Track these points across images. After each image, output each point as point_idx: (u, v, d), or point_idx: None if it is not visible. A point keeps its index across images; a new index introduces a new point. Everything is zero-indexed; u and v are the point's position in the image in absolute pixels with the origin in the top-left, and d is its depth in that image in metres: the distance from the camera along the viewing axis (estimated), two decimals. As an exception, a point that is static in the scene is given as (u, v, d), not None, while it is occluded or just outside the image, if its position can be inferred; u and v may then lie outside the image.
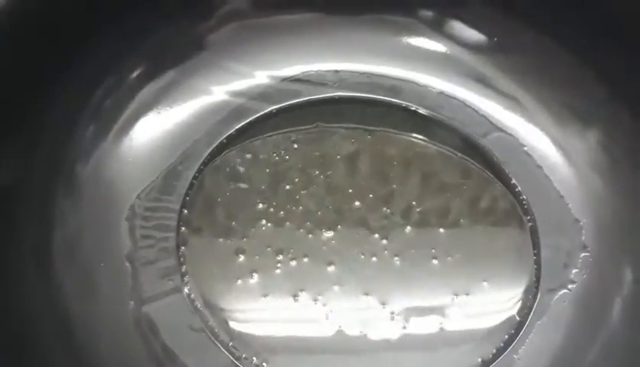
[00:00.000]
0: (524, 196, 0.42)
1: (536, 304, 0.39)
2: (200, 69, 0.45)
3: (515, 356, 0.38)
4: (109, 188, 0.41)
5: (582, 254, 0.40)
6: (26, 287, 0.36)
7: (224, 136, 0.44)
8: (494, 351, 0.38)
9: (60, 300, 0.37)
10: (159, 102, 0.44)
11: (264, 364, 0.37)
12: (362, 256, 0.40)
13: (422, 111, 0.46)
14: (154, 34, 0.44)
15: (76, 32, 0.40)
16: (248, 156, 0.44)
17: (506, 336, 0.38)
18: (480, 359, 0.38)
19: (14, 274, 0.36)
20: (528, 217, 0.42)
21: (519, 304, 0.39)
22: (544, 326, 0.38)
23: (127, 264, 0.39)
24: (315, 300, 0.39)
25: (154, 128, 0.44)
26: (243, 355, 0.37)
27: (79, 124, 0.41)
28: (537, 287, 0.39)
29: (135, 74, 0.44)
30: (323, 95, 0.46)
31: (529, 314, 0.39)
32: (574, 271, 0.40)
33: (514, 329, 0.38)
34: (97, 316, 0.37)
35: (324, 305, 0.38)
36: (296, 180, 0.43)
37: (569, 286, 0.39)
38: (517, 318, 0.39)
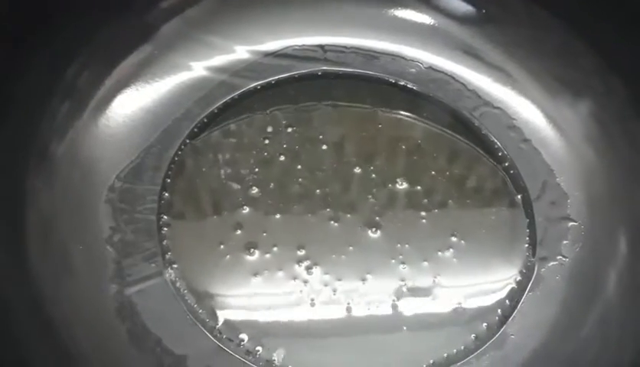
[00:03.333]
0: (514, 171, 0.42)
1: (529, 280, 0.38)
2: (178, 43, 0.44)
3: (509, 332, 0.37)
4: (86, 168, 0.39)
5: (575, 228, 0.40)
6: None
7: (205, 114, 0.43)
8: (488, 327, 0.37)
9: (34, 284, 0.35)
10: (137, 78, 0.43)
11: (257, 348, 0.36)
12: (352, 236, 0.39)
13: (410, 86, 0.45)
14: (129, 6, 0.42)
15: (48, 4, 0.38)
16: (230, 135, 0.42)
17: (500, 312, 0.37)
18: (474, 336, 0.37)
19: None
20: (519, 193, 0.41)
21: (512, 280, 0.38)
22: (538, 302, 0.38)
23: (107, 247, 0.38)
24: (301, 283, 0.37)
25: (132, 106, 0.42)
26: (230, 339, 0.36)
27: (52, 100, 0.39)
28: (529, 263, 0.39)
29: (110, 48, 0.42)
30: (308, 71, 0.45)
31: (522, 290, 0.38)
32: (567, 245, 0.39)
33: (508, 305, 0.38)
34: (75, 300, 0.35)
35: (312, 287, 0.37)
36: (281, 159, 0.41)
37: (563, 260, 0.39)
38: (511, 294, 0.38)
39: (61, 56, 0.39)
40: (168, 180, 0.41)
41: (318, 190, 0.40)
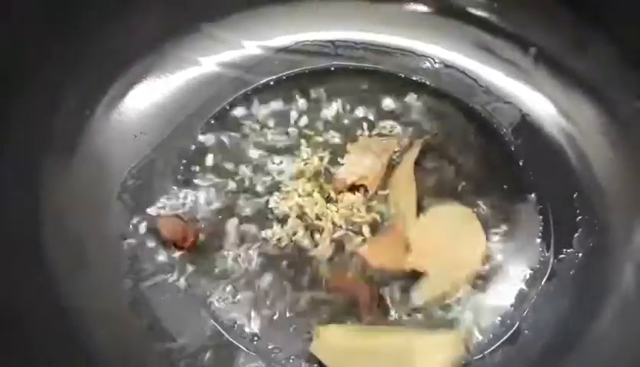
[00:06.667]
0: (527, 166, 0.41)
1: (543, 275, 0.38)
2: (190, 39, 0.44)
3: (523, 327, 0.37)
4: (100, 164, 0.40)
5: (588, 223, 0.39)
6: (14, 268, 0.34)
7: (217, 110, 0.43)
8: (501, 323, 0.37)
9: (50, 278, 0.35)
10: (149, 75, 0.43)
11: (269, 345, 0.36)
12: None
13: (422, 81, 0.44)
14: (140, 2, 0.42)
15: (60, 2, 0.38)
16: (242, 130, 0.42)
17: (513, 308, 0.37)
18: (488, 331, 0.36)
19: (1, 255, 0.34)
20: (531, 188, 0.40)
21: (526, 276, 0.38)
22: (552, 297, 0.37)
23: (121, 241, 0.38)
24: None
25: (144, 102, 0.42)
26: (243, 336, 0.36)
27: (65, 97, 0.39)
28: (543, 258, 0.38)
29: (122, 45, 0.41)
30: (319, 66, 0.45)
31: (536, 285, 0.38)
32: (580, 239, 0.39)
33: (521, 300, 0.37)
34: (91, 295, 0.36)
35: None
36: (294, 153, 0.41)
37: (576, 255, 0.38)
38: (524, 289, 0.38)
39: (74, 54, 0.40)
40: (180, 176, 0.41)
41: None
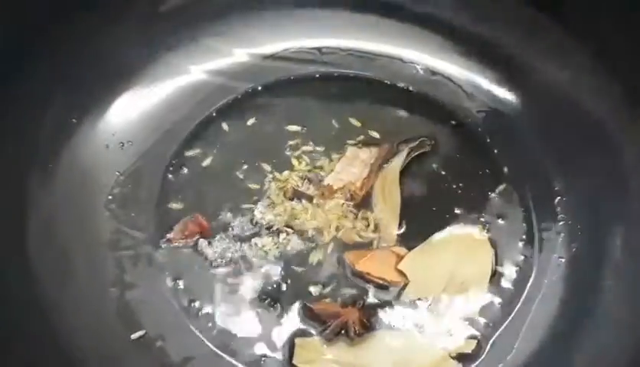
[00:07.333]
0: (511, 171, 0.42)
1: (528, 280, 0.38)
2: (177, 47, 0.44)
3: (509, 332, 0.37)
4: (86, 173, 0.40)
5: (571, 228, 0.40)
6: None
7: (204, 117, 0.43)
8: (488, 327, 0.37)
9: (36, 288, 0.35)
10: (136, 83, 0.43)
11: (249, 352, 0.36)
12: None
13: (407, 87, 0.45)
14: (128, 10, 0.42)
15: (45, 9, 0.38)
16: (229, 137, 0.42)
17: (498, 313, 0.37)
18: (479, 336, 0.37)
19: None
20: (515, 192, 0.41)
21: (510, 281, 0.38)
22: (537, 301, 0.38)
23: (108, 251, 0.38)
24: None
25: (131, 110, 0.42)
26: (227, 345, 0.36)
27: (52, 105, 0.39)
28: (527, 263, 0.39)
29: (109, 53, 0.42)
30: (305, 73, 0.45)
31: (521, 290, 0.38)
32: (564, 244, 0.39)
33: (506, 306, 0.37)
34: (77, 304, 0.36)
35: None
36: (280, 160, 0.41)
37: (560, 260, 0.39)
38: (509, 295, 0.38)
39: (61, 62, 0.40)
40: (168, 184, 0.41)
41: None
